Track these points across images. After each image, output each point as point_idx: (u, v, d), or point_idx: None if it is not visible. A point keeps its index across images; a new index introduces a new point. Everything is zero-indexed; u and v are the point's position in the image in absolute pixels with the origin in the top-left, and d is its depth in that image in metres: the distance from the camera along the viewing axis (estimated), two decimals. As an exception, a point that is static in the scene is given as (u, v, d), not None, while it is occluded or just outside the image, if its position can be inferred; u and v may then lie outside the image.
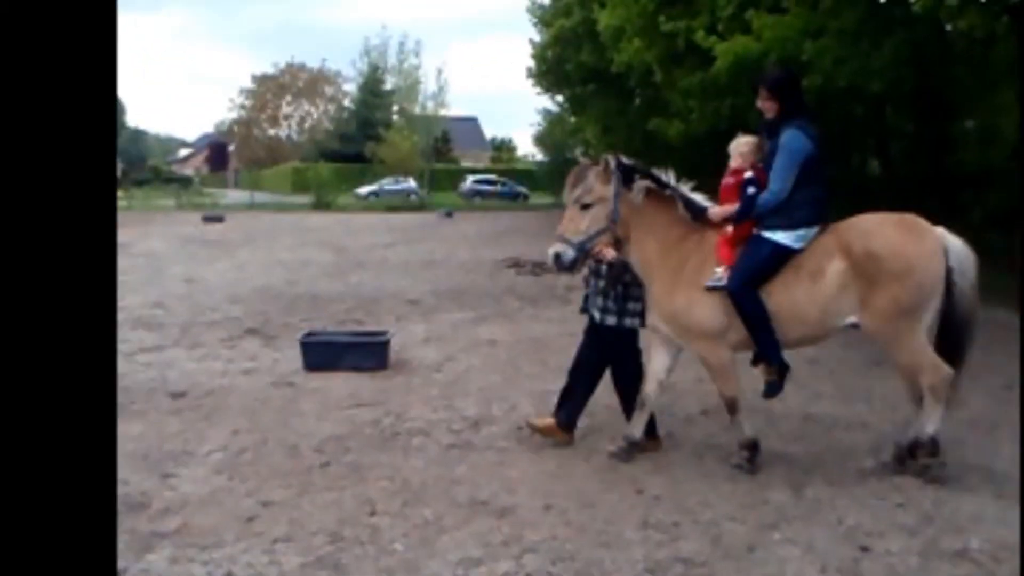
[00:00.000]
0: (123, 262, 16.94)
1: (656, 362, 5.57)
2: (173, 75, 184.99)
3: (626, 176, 5.25)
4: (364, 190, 50.86)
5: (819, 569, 4.06)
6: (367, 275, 15.45)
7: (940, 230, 5.07)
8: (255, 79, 66.90)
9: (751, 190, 5.19)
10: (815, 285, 5.02)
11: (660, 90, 20.39)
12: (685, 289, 5.19)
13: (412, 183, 51.22)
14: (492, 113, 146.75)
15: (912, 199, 19.41)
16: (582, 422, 6.45)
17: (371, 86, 58.20)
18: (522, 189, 50.44)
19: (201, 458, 5.55)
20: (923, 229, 5.07)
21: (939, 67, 17.54)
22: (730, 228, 5.22)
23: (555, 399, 6.91)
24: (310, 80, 65.35)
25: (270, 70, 66.78)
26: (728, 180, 5.38)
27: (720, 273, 5.11)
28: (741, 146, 5.42)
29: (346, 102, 64.40)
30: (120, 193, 50.51)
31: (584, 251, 5.27)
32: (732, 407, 5.36)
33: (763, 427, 6.08)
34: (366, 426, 6.23)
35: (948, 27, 13.51)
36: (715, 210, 5.28)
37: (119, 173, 61.34)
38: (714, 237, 5.26)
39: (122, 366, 7.97)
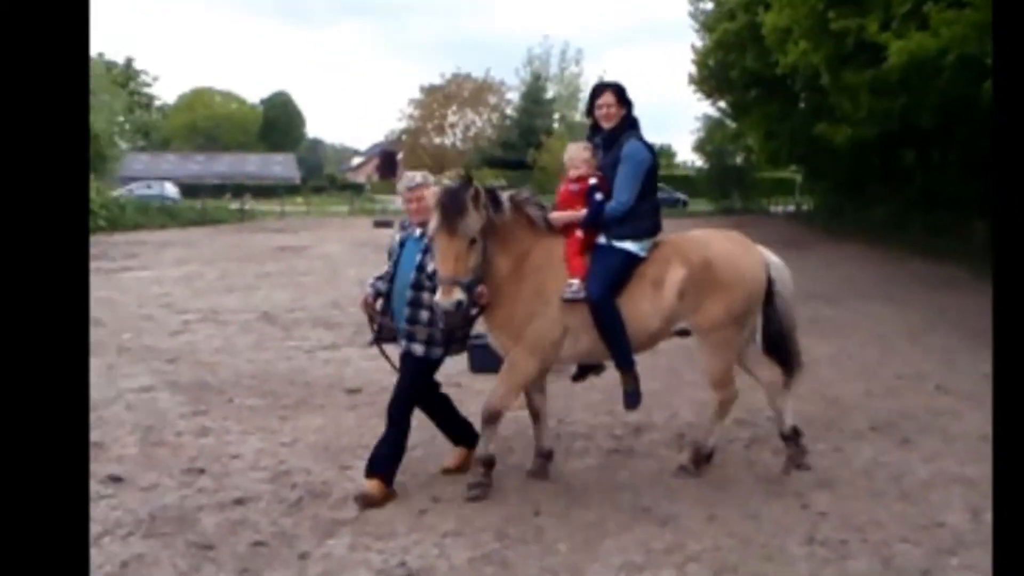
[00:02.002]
0: (303, 264, 17.98)
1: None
2: (347, 87, 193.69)
3: (493, 200, 4.87)
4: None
5: (1001, 597, 3.87)
6: (527, 281, 15.69)
7: (761, 247, 5.47)
8: (423, 90, 68.96)
9: (598, 196, 5.08)
10: (658, 293, 5.07)
11: (826, 94, 19.77)
12: (528, 299, 4.97)
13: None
14: (651, 119, 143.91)
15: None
16: (745, 432, 6.39)
17: (533, 94, 59.05)
18: (681, 195, 49.79)
19: (375, 453, 5.84)
20: (749, 244, 5.44)
21: None
22: (579, 233, 5.07)
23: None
24: (475, 89, 66.83)
25: (437, 80, 68.83)
26: (571, 186, 5.22)
27: (576, 285, 4.95)
28: (583, 152, 5.28)
29: (509, 110, 65.48)
30: (299, 199, 53.43)
31: (471, 292, 4.76)
32: (495, 418, 5.11)
33: (940, 447, 5.83)
34: (530, 428, 6.36)
35: None
36: (557, 215, 5.14)
37: (299, 180, 64.84)
38: (559, 248, 5.09)
39: (304, 362, 8.50)
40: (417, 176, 5.24)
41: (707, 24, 30.05)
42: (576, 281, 4.95)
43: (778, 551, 4.37)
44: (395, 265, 5.18)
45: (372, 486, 4.96)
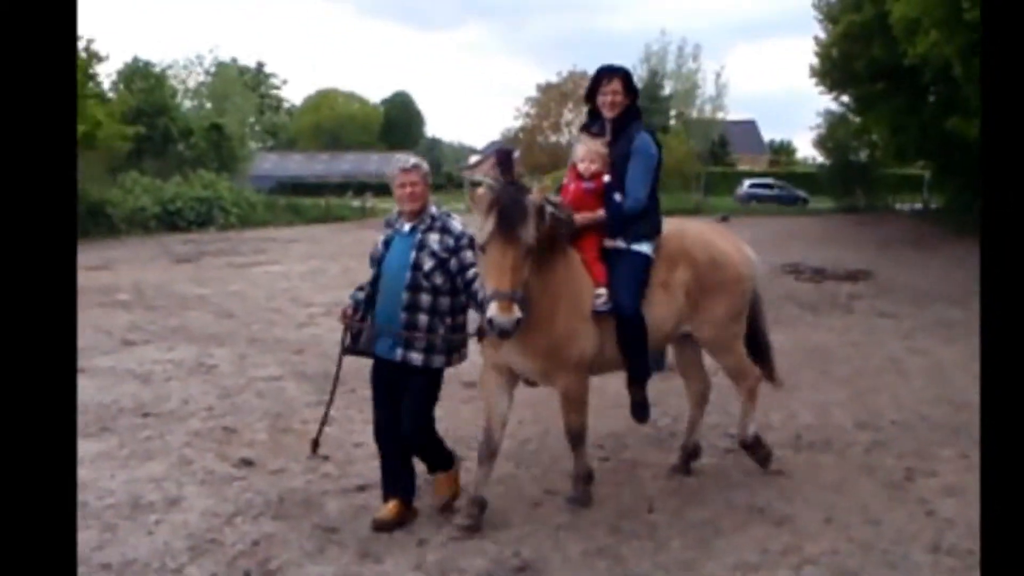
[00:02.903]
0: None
1: (501, 404, 4.74)
2: (466, 87, 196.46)
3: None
4: None
5: None
6: (642, 279, 15.64)
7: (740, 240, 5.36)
8: (539, 88, 69.31)
9: (618, 197, 4.68)
10: (669, 296, 4.85)
11: (958, 86, 18.87)
12: (565, 317, 4.47)
13: None
14: (771, 115, 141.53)
15: None
16: (866, 435, 6.23)
17: (649, 91, 58.24)
18: (801, 193, 48.35)
19: (490, 445, 5.97)
20: (737, 239, 5.36)
21: None
22: (607, 241, 4.71)
23: (836, 411, 6.74)
24: (590, 87, 66.81)
25: (553, 79, 68.97)
26: (584, 184, 4.74)
27: (605, 295, 4.57)
28: (600, 147, 4.77)
29: (624, 108, 65.18)
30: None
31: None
32: (581, 437, 4.82)
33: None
34: (643, 426, 6.38)
35: None
36: (578, 217, 4.62)
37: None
38: (576, 255, 4.65)
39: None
40: (411, 158, 4.74)
41: (831, 15, 29.15)
42: (604, 291, 4.59)
43: (901, 558, 4.26)
44: (379, 266, 4.65)
45: (390, 508, 4.63)
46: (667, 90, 57.61)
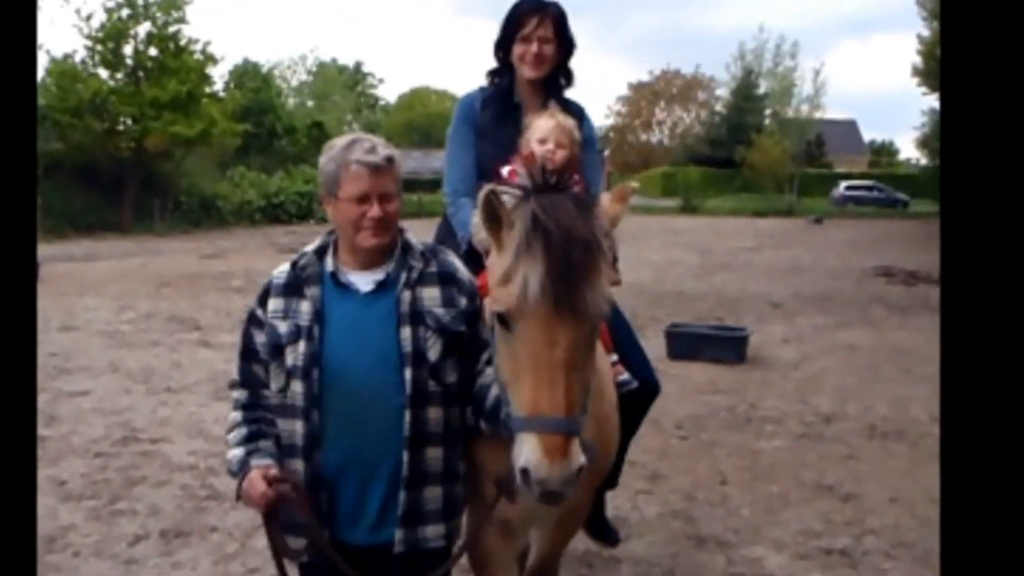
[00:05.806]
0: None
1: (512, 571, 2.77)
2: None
3: None
4: None
5: None
6: (731, 277, 15.85)
7: None
8: (631, 87, 69.35)
9: None
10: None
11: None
12: (605, 413, 2.60)
13: None
14: (874, 115, 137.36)
15: None
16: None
17: (744, 90, 57.80)
18: (901, 196, 47.23)
19: (577, 422, 6.43)
20: None
21: None
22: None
23: (914, 405, 6.96)
24: (684, 86, 66.30)
25: (646, 78, 68.91)
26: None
27: (624, 371, 3.01)
28: (571, 123, 2.95)
29: (718, 107, 64.58)
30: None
31: None
32: None
33: None
34: (722, 410, 6.76)
35: None
36: None
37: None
38: None
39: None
40: (379, 144, 2.32)
41: (936, 12, 28.60)
42: (615, 356, 2.99)
43: (959, 533, 4.54)
44: (313, 361, 2.24)
45: None
46: (762, 88, 56.92)
